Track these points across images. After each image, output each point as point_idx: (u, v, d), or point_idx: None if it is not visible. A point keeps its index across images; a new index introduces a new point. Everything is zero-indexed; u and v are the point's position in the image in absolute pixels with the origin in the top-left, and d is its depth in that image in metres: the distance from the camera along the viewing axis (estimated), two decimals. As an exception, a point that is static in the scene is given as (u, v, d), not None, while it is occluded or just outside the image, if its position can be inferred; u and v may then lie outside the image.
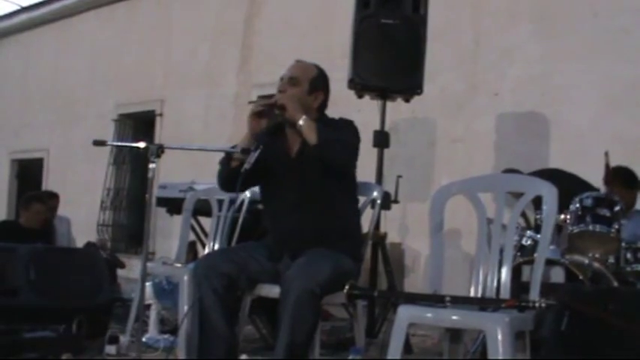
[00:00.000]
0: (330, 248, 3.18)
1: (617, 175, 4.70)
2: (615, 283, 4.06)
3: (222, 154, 3.40)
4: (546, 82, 6.26)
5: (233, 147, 3.34)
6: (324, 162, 3.19)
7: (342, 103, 6.04)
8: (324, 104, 3.43)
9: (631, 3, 5.84)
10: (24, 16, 12.94)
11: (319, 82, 3.42)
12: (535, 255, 3.38)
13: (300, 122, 3.17)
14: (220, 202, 4.54)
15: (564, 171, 5.11)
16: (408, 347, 4.26)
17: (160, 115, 10.21)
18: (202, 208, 4.78)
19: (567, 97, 6.10)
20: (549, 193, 3.01)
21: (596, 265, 4.17)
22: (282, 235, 3.33)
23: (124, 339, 4.30)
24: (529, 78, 6.39)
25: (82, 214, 9.83)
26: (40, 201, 6.47)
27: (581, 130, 5.93)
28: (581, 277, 4.04)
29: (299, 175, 3.27)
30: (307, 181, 3.25)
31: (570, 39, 6.14)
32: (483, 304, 2.85)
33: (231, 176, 3.29)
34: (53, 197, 7.14)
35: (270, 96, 3.31)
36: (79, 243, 7.51)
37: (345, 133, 3.29)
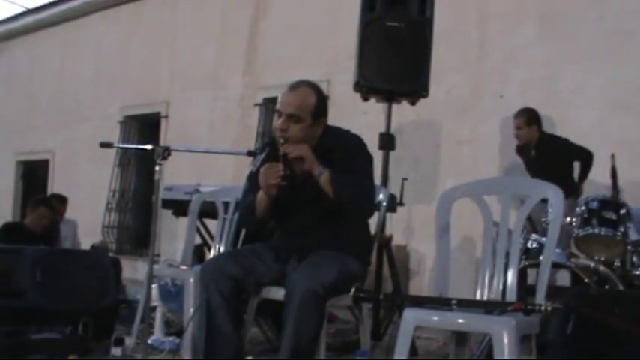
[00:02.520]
0: (338, 251, 3.18)
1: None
2: (621, 287, 4.06)
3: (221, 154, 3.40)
4: (552, 84, 6.26)
5: (251, 152, 3.35)
6: (343, 213, 3.17)
7: (348, 106, 6.07)
8: (325, 123, 3.31)
9: (636, 6, 5.83)
10: (30, 18, 12.98)
11: (320, 108, 3.24)
12: (541, 258, 3.39)
13: (316, 174, 3.12)
14: (226, 204, 4.55)
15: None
16: (413, 350, 4.26)
17: (166, 117, 10.23)
18: (208, 211, 4.78)
19: (573, 99, 6.10)
20: (555, 196, 3.01)
21: (602, 268, 4.17)
22: (291, 235, 3.33)
23: (129, 341, 4.31)
24: (534, 80, 6.38)
25: (88, 216, 9.86)
26: (48, 206, 6.48)
27: (586, 133, 5.91)
28: (586, 280, 4.04)
29: (308, 194, 3.20)
30: (317, 199, 3.17)
31: (576, 41, 6.14)
32: (489, 306, 2.84)
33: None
34: (63, 202, 7.16)
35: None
36: (85, 244, 7.53)
37: (359, 167, 3.22)
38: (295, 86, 3.25)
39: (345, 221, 3.25)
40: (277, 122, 3.22)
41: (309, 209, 3.25)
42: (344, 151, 3.24)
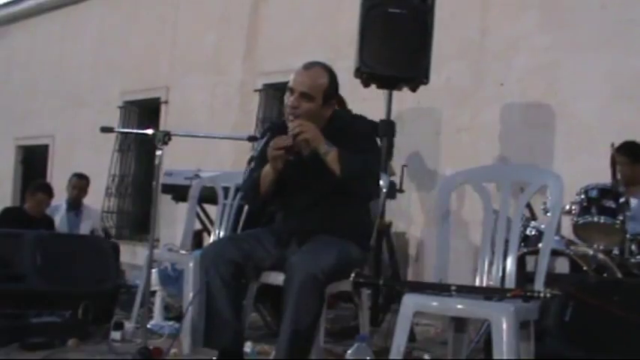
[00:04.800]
0: (338, 236, 3.18)
1: (623, 149, 4.76)
2: (619, 275, 4.08)
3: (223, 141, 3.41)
4: (553, 72, 6.23)
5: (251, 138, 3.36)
6: (348, 191, 3.17)
7: (348, 92, 6.04)
8: (334, 105, 3.36)
9: (640, -7, 5.81)
10: (30, 2, 12.92)
11: (332, 90, 3.29)
12: (540, 245, 3.40)
13: (323, 152, 3.12)
14: (226, 189, 4.55)
15: None
16: (411, 336, 4.28)
17: (166, 102, 10.20)
18: (208, 196, 4.79)
19: (574, 88, 6.08)
20: (555, 183, 3.02)
21: (601, 256, 4.19)
22: (291, 220, 3.34)
23: (129, 325, 4.32)
24: (535, 68, 6.36)
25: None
26: (45, 191, 6.49)
27: (587, 122, 5.91)
28: (585, 268, 4.06)
29: (312, 173, 3.21)
30: (320, 171, 3.19)
31: (578, 30, 6.11)
32: (489, 293, 2.86)
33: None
34: (82, 178, 7.19)
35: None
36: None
37: (367, 150, 3.24)
38: (309, 66, 3.29)
39: (347, 206, 3.26)
40: (288, 99, 3.24)
41: (311, 192, 3.26)
42: (353, 133, 3.27)
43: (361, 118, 3.42)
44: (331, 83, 3.29)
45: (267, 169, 3.23)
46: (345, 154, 3.12)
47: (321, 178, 3.17)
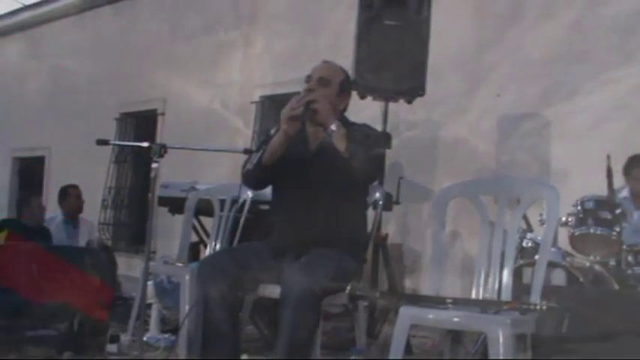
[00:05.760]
0: (334, 248, 3.18)
1: (636, 161, 4.83)
2: (616, 286, 4.07)
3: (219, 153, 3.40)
4: (549, 83, 6.25)
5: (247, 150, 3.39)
6: (350, 172, 3.18)
7: (345, 104, 6.04)
8: (346, 107, 3.45)
9: (635, 5, 5.82)
10: (26, 14, 12.95)
11: (347, 84, 3.45)
12: (536, 257, 3.39)
13: (332, 127, 3.15)
14: (222, 201, 4.55)
15: None
16: (408, 348, 4.27)
17: (162, 114, 10.20)
18: (204, 208, 4.78)
19: (570, 98, 6.09)
20: (551, 194, 3.02)
21: (598, 267, 4.19)
22: (288, 231, 3.33)
23: (125, 338, 4.31)
24: (531, 79, 6.38)
25: (84, 213, 9.82)
26: (36, 195, 6.56)
27: (583, 132, 5.92)
28: (582, 280, 4.05)
29: (312, 172, 3.25)
30: (320, 179, 3.22)
31: (573, 40, 6.13)
32: (485, 305, 2.85)
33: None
34: (75, 188, 7.20)
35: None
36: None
37: (373, 142, 3.29)
38: (328, 61, 3.49)
39: (343, 218, 3.27)
40: (305, 86, 3.33)
41: (308, 203, 3.27)
42: (358, 131, 3.30)
43: (367, 125, 3.48)
44: (345, 78, 3.45)
45: (275, 139, 3.24)
46: (352, 135, 3.16)
47: (319, 175, 3.22)
